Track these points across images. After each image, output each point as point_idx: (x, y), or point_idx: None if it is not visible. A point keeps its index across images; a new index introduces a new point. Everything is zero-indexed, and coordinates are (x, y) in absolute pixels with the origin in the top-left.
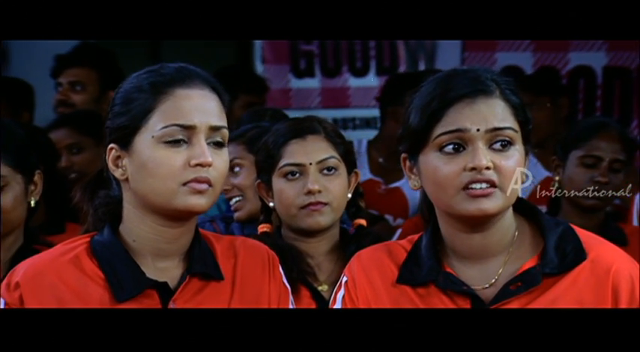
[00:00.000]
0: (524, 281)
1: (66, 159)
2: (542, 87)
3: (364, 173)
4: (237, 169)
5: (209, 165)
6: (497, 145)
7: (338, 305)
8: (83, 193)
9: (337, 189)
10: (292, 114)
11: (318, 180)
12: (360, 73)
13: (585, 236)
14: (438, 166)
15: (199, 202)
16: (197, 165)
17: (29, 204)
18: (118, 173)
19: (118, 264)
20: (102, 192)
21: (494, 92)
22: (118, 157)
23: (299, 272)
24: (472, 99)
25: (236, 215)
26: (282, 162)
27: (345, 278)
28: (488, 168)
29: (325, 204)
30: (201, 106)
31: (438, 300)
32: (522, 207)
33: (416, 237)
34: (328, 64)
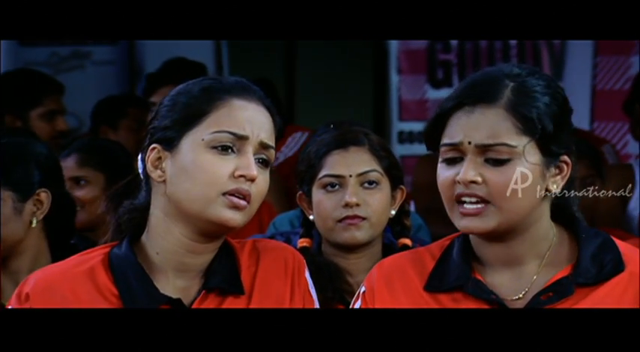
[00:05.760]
0: (556, 292)
1: None
2: None
3: None
4: None
5: (253, 179)
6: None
7: None
8: (110, 203)
9: (377, 204)
10: None
11: (357, 193)
12: None
13: (626, 248)
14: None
15: (234, 217)
16: (241, 176)
17: (31, 223)
18: (156, 174)
19: (132, 278)
20: (126, 202)
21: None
22: (159, 158)
23: (335, 291)
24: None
25: None
26: (322, 173)
27: (362, 289)
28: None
29: (363, 218)
30: (255, 120)
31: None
32: (563, 217)
33: (447, 242)
34: (467, 73)
